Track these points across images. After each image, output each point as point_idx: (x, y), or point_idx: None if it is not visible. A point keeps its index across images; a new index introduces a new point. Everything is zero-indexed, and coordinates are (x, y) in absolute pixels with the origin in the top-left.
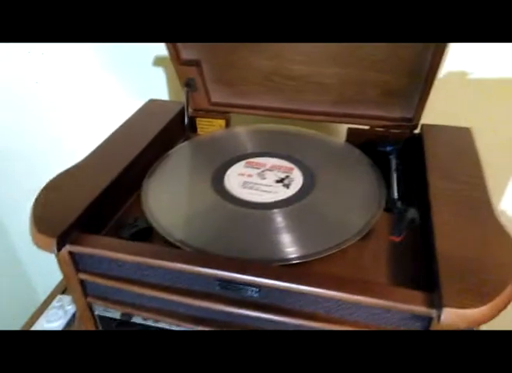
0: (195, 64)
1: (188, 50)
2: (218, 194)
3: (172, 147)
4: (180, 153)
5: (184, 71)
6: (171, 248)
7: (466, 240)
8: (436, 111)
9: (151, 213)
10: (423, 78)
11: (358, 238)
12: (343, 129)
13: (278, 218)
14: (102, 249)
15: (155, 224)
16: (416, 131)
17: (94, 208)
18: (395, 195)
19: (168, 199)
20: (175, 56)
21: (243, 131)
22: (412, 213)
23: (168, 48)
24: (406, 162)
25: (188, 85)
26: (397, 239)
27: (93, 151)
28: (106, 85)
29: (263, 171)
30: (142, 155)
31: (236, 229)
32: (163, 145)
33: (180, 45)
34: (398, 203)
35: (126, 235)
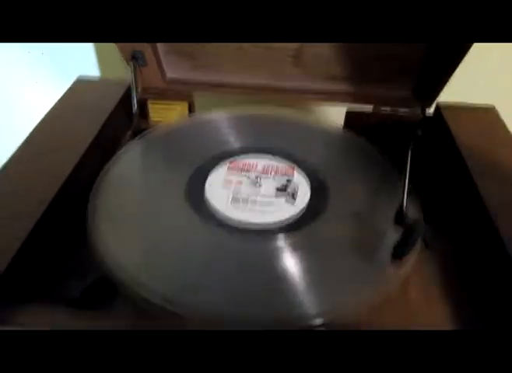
0: None
1: None
2: (200, 218)
3: (117, 145)
4: (133, 157)
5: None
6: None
7: None
8: None
9: (110, 253)
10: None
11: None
12: (335, 112)
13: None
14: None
15: (119, 273)
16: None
17: (17, 260)
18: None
19: (128, 231)
20: None
21: (215, 119)
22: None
23: None
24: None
25: (135, 58)
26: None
27: (3, 168)
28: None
29: (256, 176)
30: (80, 167)
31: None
32: (106, 146)
33: None
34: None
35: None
